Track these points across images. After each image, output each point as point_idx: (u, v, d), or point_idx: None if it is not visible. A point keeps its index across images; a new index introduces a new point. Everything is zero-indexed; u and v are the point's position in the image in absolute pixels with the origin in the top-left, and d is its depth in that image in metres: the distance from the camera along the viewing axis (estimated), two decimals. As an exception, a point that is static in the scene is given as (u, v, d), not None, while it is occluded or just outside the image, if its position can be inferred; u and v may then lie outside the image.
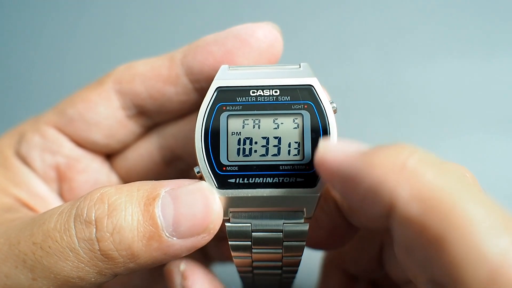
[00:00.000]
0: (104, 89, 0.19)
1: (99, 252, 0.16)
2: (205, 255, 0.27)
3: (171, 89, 0.19)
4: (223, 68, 0.18)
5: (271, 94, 0.21)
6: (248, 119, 0.20)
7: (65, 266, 0.16)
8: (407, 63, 0.33)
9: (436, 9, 0.35)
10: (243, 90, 0.19)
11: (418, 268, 0.14)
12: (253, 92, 0.19)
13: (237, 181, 0.20)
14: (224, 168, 0.20)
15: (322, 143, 0.18)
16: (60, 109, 0.20)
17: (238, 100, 0.19)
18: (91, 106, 0.19)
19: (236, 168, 0.20)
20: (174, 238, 0.16)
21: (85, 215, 0.16)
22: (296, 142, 0.21)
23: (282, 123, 0.21)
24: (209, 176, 0.20)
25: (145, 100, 0.19)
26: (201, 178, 0.20)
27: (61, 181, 0.21)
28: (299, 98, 0.22)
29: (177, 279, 0.18)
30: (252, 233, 0.20)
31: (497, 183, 0.29)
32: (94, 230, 0.16)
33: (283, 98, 0.21)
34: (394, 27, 0.35)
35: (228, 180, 0.20)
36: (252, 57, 0.18)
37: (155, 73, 0.19)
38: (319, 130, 0.22)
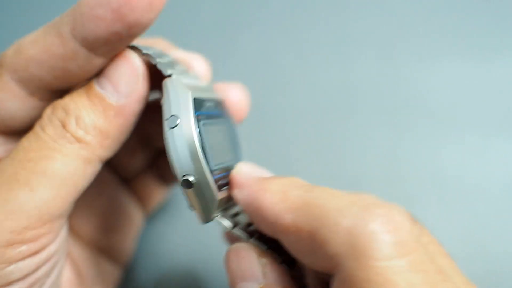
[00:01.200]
0: (4, 81, 0.18)
1: (75, 142, 0.17)
2: (164, 180, 0.27)
3: (72, 64, 0.18)
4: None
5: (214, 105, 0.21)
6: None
7: (55, 166, 0.17)
8: (407, 63, 0.33)
9: (438, 10, 0.35)
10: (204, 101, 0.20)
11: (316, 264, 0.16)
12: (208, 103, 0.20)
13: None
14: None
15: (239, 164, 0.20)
16: None
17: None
18: None
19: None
20: (121, 100, 0.18)
21: (49, 123, 0.18)
22: None
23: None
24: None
25: (50, 82, 0.18)
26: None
27: None
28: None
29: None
30: None
31: (497, 183, 0.29)
32: (63, 129, 0.18)
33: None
34: (394, 27, 0.34)
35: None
36: (142, 8, 0.17)
37: (50, 54, 0.18)
38: None
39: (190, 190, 0.18)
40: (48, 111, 0.18)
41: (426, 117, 0.31)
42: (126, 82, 0.19)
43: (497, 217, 0.28)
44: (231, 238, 0.23)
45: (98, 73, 0.19)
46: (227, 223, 0.19)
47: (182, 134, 0.17)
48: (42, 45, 0.18)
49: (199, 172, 0.18)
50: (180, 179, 0.18)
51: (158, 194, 0.27)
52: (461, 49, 0.33)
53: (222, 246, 0.24)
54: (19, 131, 0.20)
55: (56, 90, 0.19)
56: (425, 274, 0.14)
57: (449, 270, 0.16)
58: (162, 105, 0.18)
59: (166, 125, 0.18)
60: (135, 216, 0.26)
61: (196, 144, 0.17)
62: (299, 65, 0.34)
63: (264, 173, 0.20)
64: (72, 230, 0.24)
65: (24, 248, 0.17)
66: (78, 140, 0.18)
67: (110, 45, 0.18)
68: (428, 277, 0.14)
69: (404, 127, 0.31)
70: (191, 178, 0.17)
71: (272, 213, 0.17)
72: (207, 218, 0.18)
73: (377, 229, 0.14)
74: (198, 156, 0.18)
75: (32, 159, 0.17)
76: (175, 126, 0.18)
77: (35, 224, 0.17)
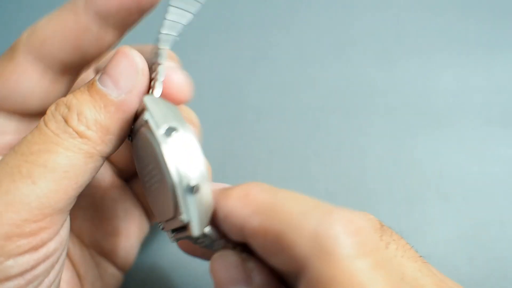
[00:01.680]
0: (18, 62, 0.19)
1: (77, 137, 0.18)
2: None
3: (86, 38, 0.19)
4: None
5: None
6: None
7: (57, 159, 0.17)
8: (407, 62, 0.33)
9: (438, 9, 0.35)
10: None
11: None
12: None
13: None
14: None
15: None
16: None
17: None
18: (13, 83, 0.19)
19: None
20: (121, 95, 0.19)
21: (53, 118, 0.18)
22: None
23: None
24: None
25: (65, 58, 0.19)
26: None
27: None
28: None
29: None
30: None
31: (498, 183, 0.29)
32: (65, 124, 0.18)
33: None
34: (395, 26, 0.35)
35: None
36: None
37: (64, 30, 0.19)
38: None
39: (193, 197, 0.17)
40: (52, 107, 0.19)
41: (426, 117, 0.31)
42: (126, 77, 0.19)
43: (498, 217, 0.28)
44: (191, 249, 0.23)
45: (100, 71, 0.19)
46: (212, 234, 0.18)
47: (183, 142, 0.17)
48: (57, 21, 0.19)
49: (203, 177, 0.17)
50: (184, 185, 0.17)
51: None
52: (461, 48, 0.33)
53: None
54: (33, 114, 0.21)
55: (69, 70, 0.20)
56: (387, 273, 0.15)
57: (412, 272, 0.16)
58: (147, 120, 0.18)
59: (159, 136, 0.17)
60: (139, 221, 0.26)
61: (200, 150, 0.17)
62: (299, 64, 0.34)
63: (225, 185, 0.20)
64: (74, 232, 0.24)
65: (23, 242, 0.17)
66: (80, 135, 0.18)
67: (121, 20, 0.19)
68: (390, 276, 0.15)
69: (404, 126, 0.31)
70: (193, 184, 0.17)
71: (239, 218, 0.17)
72: (203, 227, 0.18)
73: (339, 231, 0.15)
74: (203, 161, 0.17)
75: (34, 152, 0.18)
76: (171, 136, 0.17)
77: (36, 217, 0.17)
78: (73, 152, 0.18)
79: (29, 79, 0.19)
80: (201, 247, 0.20)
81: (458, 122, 0.31)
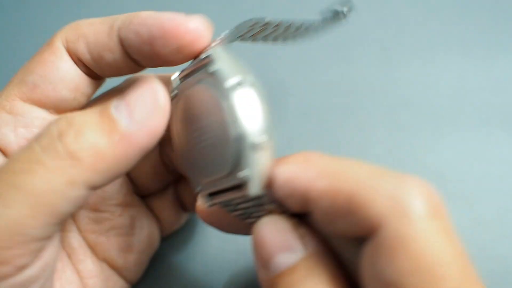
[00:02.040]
0: (55, 47, 0.19)
1: (65, 156, 0.16)
2: (183, 207, 0.27)
3: (109, 55, 0.19)
4: None
5: None
6: None
7: (34, 181, 0.16)
8: (407, 62, 0.33)
9: (439, 8, 0.35)
10: None
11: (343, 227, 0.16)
12: None
13: None
14: None
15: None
16: (19, 80, 0.20)
17: None
18: (50, 66, 0.19)
19: None
20: (132, 127, 0.17)
21: (46, 131, 0.17)
22: None
23: None
24: None
25: (88, 61, 0.19)
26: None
27: None
28: None
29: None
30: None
31: (498, 183, 0.29)
32: (58, 138, 0.16)
33: None
34: (395, 25, 0.35)
35: None
36: (170, 49, 0.18)
37: (96, 38, 0.19)
38: None
39: (257, 154, 0.16)
40: (52, 120, 0.18)
41: (427, 116, 0.31)
42: (143, 111, 0.18)
43: (498, 217, 0.28)
44: (215, 219, 0.22)
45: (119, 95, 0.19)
46: (265, 196, 0.18)
47: (251, 97, 0.17)
48: (94, 28, 0.19)
49: (269, 135, 0.17)
50: (251, 141, 0.16)
51: (176, 218, 0.27)
52: (461, 47, 0.33)
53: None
54: (61, 107, 0.20)
55: (92, 74, 0.20)
56: (452, 237, 0.15)
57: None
58: (214, 72, 0.17)
59: (228, 87, 0.17)
60: (152, 237, 0.25)
61: (267, 106, 0.17)
62: (299, 64, 0.34)
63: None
64: (89, 244, 0.23)
65: None
66: (70, 154, 0.16)
67: (141, 57, 0.19)
68: (454, 240, 0.15)
69: (404, 126, 0.31)
70: (260, 141, 0.16)
71: (302, 181, 0.16)
72: (261, 187, 0.17)
73: (416, 193, 0.15)
74: (269, 118, 0.17)
75: (16, 171, 0.16)
76: (240, 89, 0.17)
77: (5, 243, 0.16)
78: (54, 175, 0.16)
79: (63, 62, 0.20)
80: (235, 216, 0.19)
81: (458, 122, 0.31)
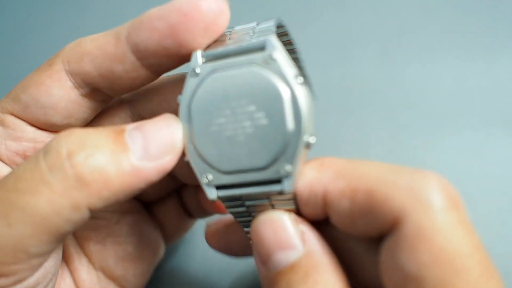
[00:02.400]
0: (54, 70, 0.19)
1: (72, 178, 0.16)
2: (188, 214, 0.26)
3: (119, 67, 0.18)
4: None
5: None
6: None
7: (38, 203, 0.15)
8: (407, 62, 0.33)
9: (439, 8, 0.35)
10: None
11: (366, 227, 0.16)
12: None
13: None
14: None
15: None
16: (14, 96, 0.19)
17: None
18: (44, 90, 0.19)
19: None
20: (144, 161, 0.17)
21: (55, 148, 0.16)
22: None
23: None
24: None
25: (95, 79, 0.19)
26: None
27: None
28: None
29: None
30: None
31: (498, 182, 0.29)
32: (66, 158, 0.16)
33: None
34: (395, 25, 0.35)
35: None
36: (196, 31, 0.17)
37: (102, 52, 0.18)
38: None
39: (304, 153, 0.17)
40: (62, 133, 0.17)
41: (426, 117, 0.31)
42: (159, 147, 0.17)
43: (498, 217, 0.28)
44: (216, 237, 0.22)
45: (136, 122, 0.18)
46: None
47: (307, 94, 0.16)
48: (99, 42, 0.19)
49: (312, 132, 0.17)
50: (304, 139, 0.16)
51: (181, 224, 0.26)
52: (462, 47, 0.33)
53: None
54: (53, 125, 0.20)
55: (97, 93, 0.20)
56: (470, 228, 0.16)
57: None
58: (276, 59, 0.16)
59: (291, 79, 0.16)
60: (155, 246, 0.25)
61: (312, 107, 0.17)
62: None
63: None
64: (84, 253, 0.23)
65: None
66: (78, 178, 0.16)
67: (157, 59, 0.18)
68: (472, 232, 0.16)
69: (404, 126, 0.31)
70: (312, 140, 0.16)
71: (320, 184, 0.17)
72: (296, 185, 0.17)
73: (434, 185, 0.15)
74: (312, 117, 0.17)
75: (19, 189, 0.16)
76: (300, 84, 0.16)
77: (9, 259, 0.16)
78: (59, 197, 0.16)
79: (59, 89, 0.19)
80: (232, 213, 0.19)
81: (458, 122, 0.31)
